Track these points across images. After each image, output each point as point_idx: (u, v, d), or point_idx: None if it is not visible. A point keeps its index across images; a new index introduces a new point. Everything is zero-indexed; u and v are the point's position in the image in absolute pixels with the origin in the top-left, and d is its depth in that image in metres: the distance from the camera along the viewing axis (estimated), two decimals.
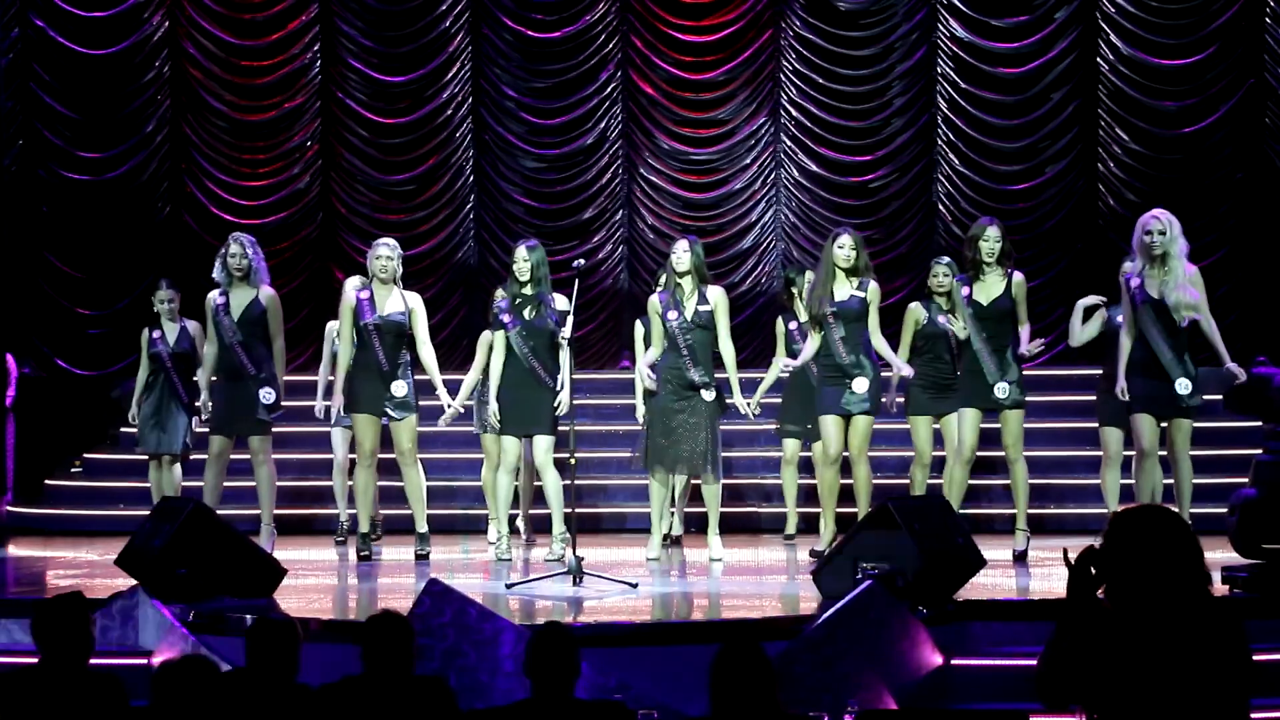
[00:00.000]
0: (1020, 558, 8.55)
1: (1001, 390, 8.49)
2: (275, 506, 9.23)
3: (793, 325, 9.72)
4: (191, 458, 10.10)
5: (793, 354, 9.60)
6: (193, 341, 9.98)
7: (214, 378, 9.19)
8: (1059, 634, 3.49)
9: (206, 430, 9.22)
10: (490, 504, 10.09)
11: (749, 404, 9.04)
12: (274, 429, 9.00)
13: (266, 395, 8.95)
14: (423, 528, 9.14)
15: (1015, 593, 7.70)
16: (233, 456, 9.22)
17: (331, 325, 10.11)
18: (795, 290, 9.81)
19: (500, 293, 9.71)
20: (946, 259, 9.30)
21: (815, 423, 9.30)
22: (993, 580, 7.87)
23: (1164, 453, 8.37)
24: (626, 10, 13.64)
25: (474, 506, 10.74)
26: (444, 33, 13.67)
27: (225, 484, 9.48)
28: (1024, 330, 8.62)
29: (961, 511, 8.56)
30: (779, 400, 9.98)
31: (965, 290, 8.61)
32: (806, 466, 10.08)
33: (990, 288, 8.58)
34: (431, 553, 9.07)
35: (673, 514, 9.71)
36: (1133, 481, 8.47)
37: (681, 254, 8.67)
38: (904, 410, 9.17)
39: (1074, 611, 3.49)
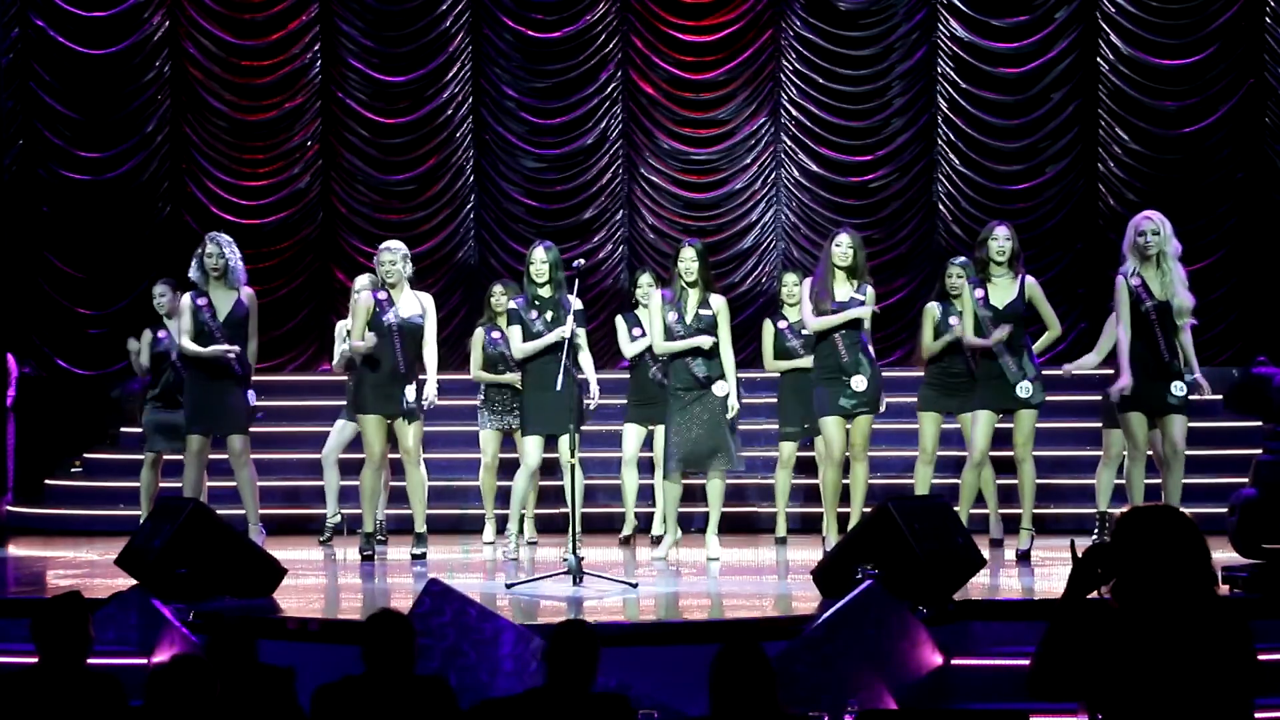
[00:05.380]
0: (1023, 557, 8.55)
1: (1025, 390, 8.51)
2: (272, 506, 9.25)
3: (782, 324, 9.75)
4: (171, 458, 9.93)
5: (786, 352, 9.61)
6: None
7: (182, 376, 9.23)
8: (1054, 629, 3.50)
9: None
10: (487, 504, 10.11)
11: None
12: (270, 428, 9.04)
13: (252, 396, 8.97)
14: (421, 528, 9.13)
15: (1015, 593, 7.70)
16: (213, 457, 9.22)
17: (341, 324, 10.08)
18: (784, 290, 9.87)
19: (499, 289, 9.72)
20: (961, 259, 9.29)
21: (812, 422, 9.33)
22: (993, 580, 7.87)
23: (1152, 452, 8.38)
24: (626, 10, 13.63)
25: (474, 506, 10.73)
26: (444, 33, 13.66)
27: (224, 484, 9.49)
28: (1054, 326, 8.64)
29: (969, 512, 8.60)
30: (775, 401, 9.98)
31: (979, 293, 8.60)
32: (801, 467, 10.09)
33: (1003, 290, 8.59)
34: (429, 553, 9.06)
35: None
36: (1124, 481, 8.48)
37: (690, 264, 8.69)
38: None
39: (1070, 606, 3.50)
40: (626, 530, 9.94)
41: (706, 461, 8.75)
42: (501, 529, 9.59)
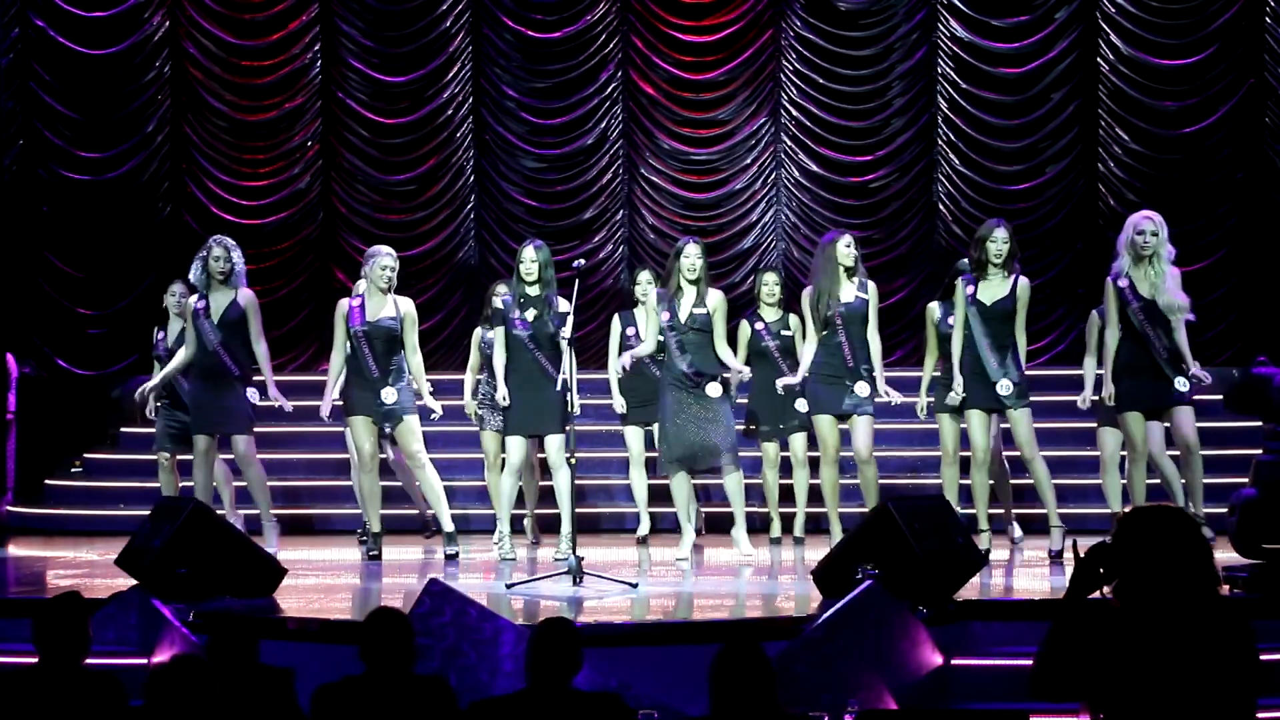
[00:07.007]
0: (1056, 557, 8.45)
1: (1004, 388, 8.47)
2: (273, 506, 9.27)
3: (759, 325, 9.75)
4: (180, 458, 9.96)
5: (760, 351, 9.63)
6: None
7: (184, 378, 9.27)
8: (1056, 628, 3.50)
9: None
10: (496, 504, 10.08)
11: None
12: (272, 429, 9.02)
13: (252, 394, 8.98)
14: (449, 526, 9.02)
15: (1015, 593, 7.69)
16: (225, 457, 9.23)
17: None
18: (764, 290, 9.85)
19: (502, 288, 9.69)
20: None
21: (786, 421, 9.39)
22: (993, 580, 7.87)
23: (1175, 452, 8.40)
24: (626, 10, 13.63)
25: (474, 506, 10.72)
26: (444, 33, 13.66)
27: (237, 484, 9.49)
28: (1021, 339, 8.57)
29: (969, 512, 8.58)
30: (744, 401, 9.96)
31: (970, 289, 8.59)
32: (785, 467, 10.08)
33: (995, 288, 8.56)
34: (463, 552, 9.01)
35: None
36: (1126, 481, 8.48)
37: (695, 260, 8.68)
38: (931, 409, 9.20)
39: (1073, 606, 3.49)
40: (643, 530, 9.90)
41: (704, 462, 8.74)
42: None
